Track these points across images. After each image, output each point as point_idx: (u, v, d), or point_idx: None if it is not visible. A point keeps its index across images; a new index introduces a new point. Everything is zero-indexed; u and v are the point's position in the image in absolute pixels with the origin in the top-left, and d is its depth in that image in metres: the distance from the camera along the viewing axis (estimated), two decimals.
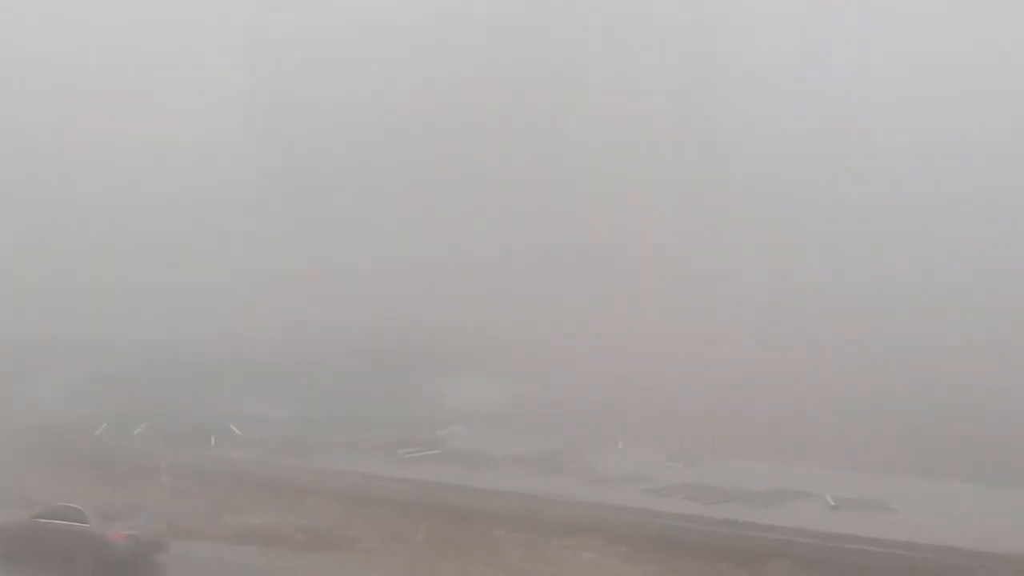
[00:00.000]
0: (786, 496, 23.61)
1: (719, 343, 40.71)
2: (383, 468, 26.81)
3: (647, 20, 58.15)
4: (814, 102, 57.23)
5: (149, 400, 34.52)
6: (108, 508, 21.31)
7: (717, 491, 24.02)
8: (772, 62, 56.60)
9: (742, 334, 41.55)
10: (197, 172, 59.61)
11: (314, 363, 39.60)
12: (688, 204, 53.82)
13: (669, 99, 55.99)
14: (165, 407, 33.49)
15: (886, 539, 20.15)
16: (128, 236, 57.64)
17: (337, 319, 45.91)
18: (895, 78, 58.46)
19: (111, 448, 29.52)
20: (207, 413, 32.45)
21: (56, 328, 46.17)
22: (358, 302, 47.21)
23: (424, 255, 52.15)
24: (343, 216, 56.52)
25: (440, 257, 51.77)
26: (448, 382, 37.15)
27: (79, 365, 40.65)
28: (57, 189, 59.93)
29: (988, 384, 33.78)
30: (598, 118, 55.73)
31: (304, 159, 60.09)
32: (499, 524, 22.71)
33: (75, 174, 60.29)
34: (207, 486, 25.84)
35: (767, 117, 56.39)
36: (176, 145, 60.34)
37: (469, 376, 37.56)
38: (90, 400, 35.68)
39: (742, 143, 56.39)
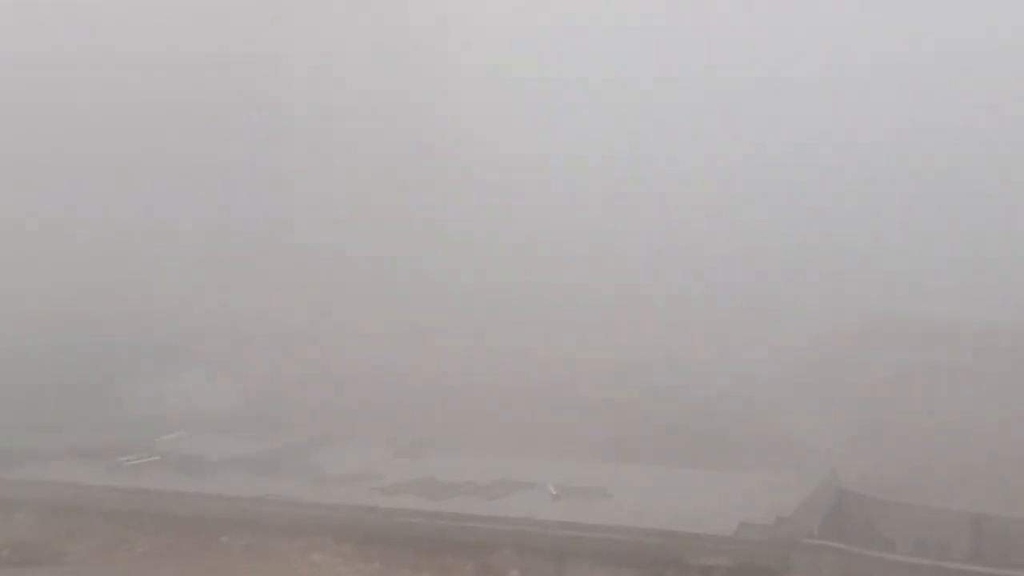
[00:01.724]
0: (511, 488, 24.30)
1: (443, 339, 41.25)
2: (100, 477, 25.57)
3: None
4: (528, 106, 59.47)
5: None
6: None
7: (444, 485, 24.42)
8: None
9: (465, 330, 42.26)
10: None
11: (21, 365, 37.05)
12: (412, 199, 54.39)
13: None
14: None
15: (605, 524, 21.09)
16: None
17: (44, 315, 43.06)
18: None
19: None
20: None
21: None
22: (67, 298, 44.48)
23: (140, 250, 49.90)
24: (45, 202, 53.00)
25: (156, 256, 49.71)
26: (168, 384, 35.75)
27: None
28: None
29: (693, 373, 35.94)
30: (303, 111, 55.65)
31: None
32: (223, 530, 22.13)
33: None
34: None
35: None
36: None
37: (190, 378, 36.28)
38: None
39: (458, 143, 57.52)
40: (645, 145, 60.92)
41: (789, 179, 57.92)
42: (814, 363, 37.14)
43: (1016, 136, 56.02)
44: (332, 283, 46.07)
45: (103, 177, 52.36)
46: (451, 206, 54.22)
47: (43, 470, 26.34)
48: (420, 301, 44.95)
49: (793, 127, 60.10)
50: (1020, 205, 51.93)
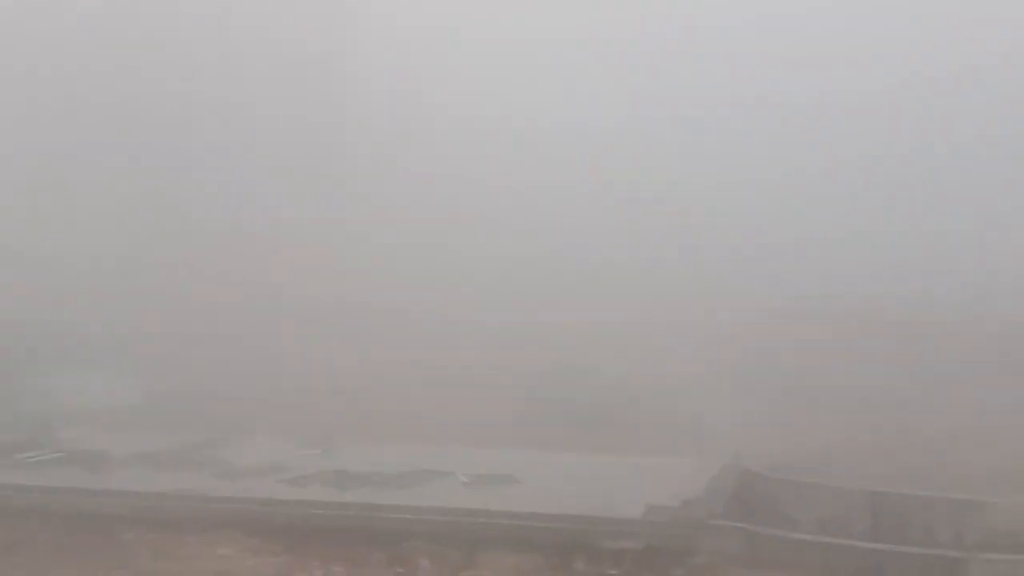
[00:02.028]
0: (421, 477, 24.27)
1: (348, 328, 41.01)
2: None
3: None
4: None
5: None
6: None
7: (354, 476, 24.30)
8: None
9: (369, 317, 42.08)
10: None
11: None
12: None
13: None
14: None
15: (514, 511, 21.22)
16: None
17: None
18: None
19: None
20: None
21: None
22: None
23: (37, 245, 48.66)
24: None
25: (55, 248, 48.53)
26: (69, 379, 34.95)
27: None
28: None
29: (597, 360, 36.24)
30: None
31: None
32: (128, 526, 21.73)
33: None
34: None
35: None
36: None
37: (92, 372, 35.51)
38: None
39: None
40: (565, 107, 61.06)
41: (714, 151, 58.49)
42: (724, 344, 37.68)
43: (909, 109, 57.31)
44: (236, 271, 45.52)
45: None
46: (347, 184, 53.96)
47: None
48: (327, 285, 44.65)
49: (709, 95, 60.79)
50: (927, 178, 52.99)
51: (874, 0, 61.36)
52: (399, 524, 21.18)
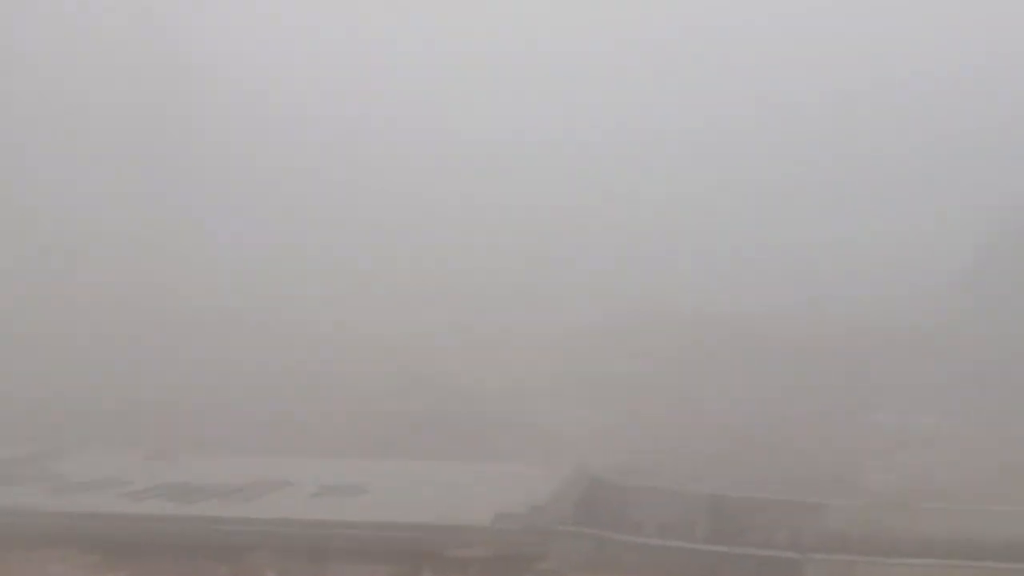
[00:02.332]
0: (267, 488, 23.77)
1: (185, 337, 40.00)
2: None
3: None
4: None
5: None
6: None
7: (196, 488, 23.62)
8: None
9: (205, 324, 41.15)
10: None
11: None
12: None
13: None
14: None
15: (361, 521, 20.97)
16: None
17: None
18: None
19: None
20: None
21: None
22: None
23: None
24: None
25: None
26: None
27: None
28: None
29: (443, 366, 36.27)
30: None
31: None
32: None
33: None
34: None
35: None
36: None
37: None
38: None
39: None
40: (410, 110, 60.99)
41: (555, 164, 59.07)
42: (572, 353, 38.19)
43: (768, 124, 59.00)
44: (74, 272, 43.93)
45: None
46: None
47: None
48: (168, 291, 43.47)
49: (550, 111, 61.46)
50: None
51: None
52: (244, 537, 20.66)
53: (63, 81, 53.98)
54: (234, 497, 23.17)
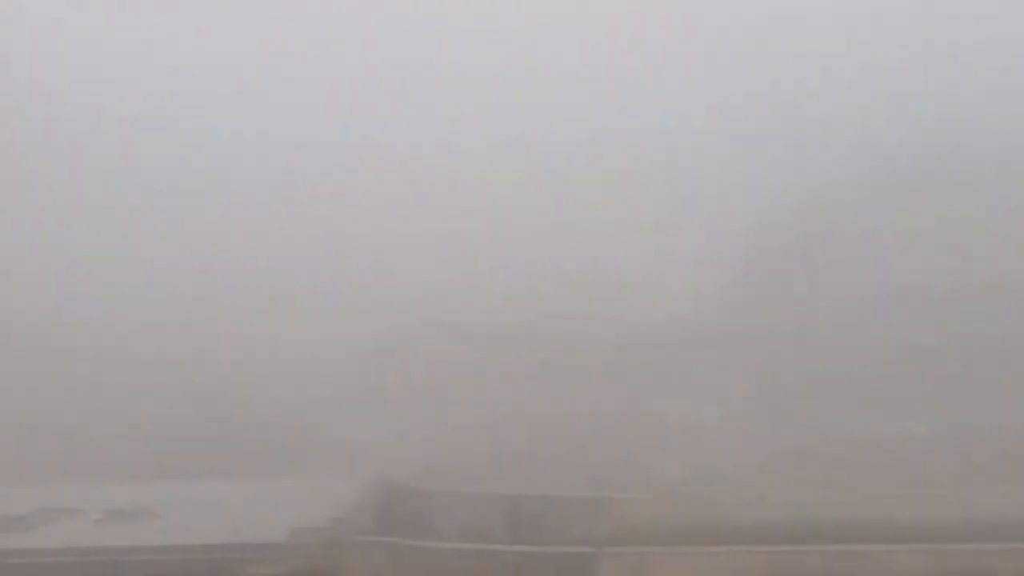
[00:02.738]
0: (49, 516, 22.69)
1: None
2: None
3: None
4: None
5: None
6: None
7: None
8: None
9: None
10: None
11: None
12: None
13: None
14: None
15: (151, 545, 20.28)
16: None
17: None
18: None
19: None
20: None
21: None
22: None
23: None
24: None
25: None
26: None
27: None
28: None
29: (235, 381, 35.45)
30: None
31: None
32: None
33: None
34: None
35: None
36: None
37: None
38: None
39: None
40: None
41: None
42: (364, 362, 37.90)
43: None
44: None
45: None
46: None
47: None
48: None
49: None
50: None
51: None
52: (22, 569, 19.65)
53: None
54: (15, 527, 22.01)
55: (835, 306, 38.99)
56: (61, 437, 29.86)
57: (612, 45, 63.22)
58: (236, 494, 24.38)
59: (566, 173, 56.35)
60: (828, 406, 31.69)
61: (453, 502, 23.23)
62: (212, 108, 59.99)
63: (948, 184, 45.50)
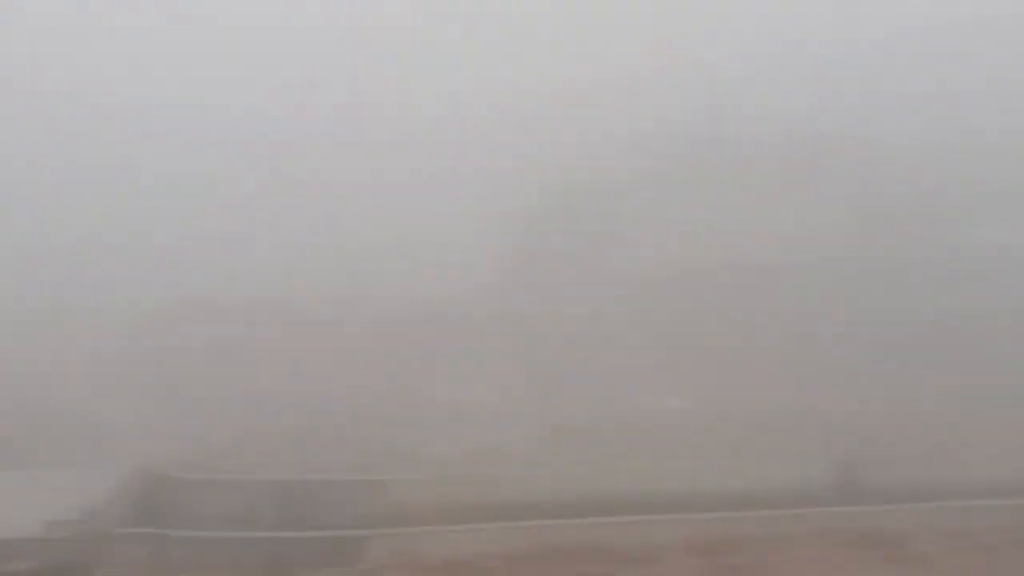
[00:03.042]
0: None
1: None
2: None
3: None
4: None
5: None
6: None
7: None
8: None
9: None
10: None
11: None
12: None
13: None
14: None
15: None
16: None
17: None
18: None
19: None
20: None
21: None
22: None
23: None
24: None
25: None
26: None
27: None
28: None
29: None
30: None
31: None
32: None
33: None
34: None
35: None
36: None
37: None
38: None
39: None
40: None
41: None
42: (119, 346, 36.33)
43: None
44: None
45: None
46: None
47: None
48: None
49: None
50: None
51: None
52: None
53: None
54: None
55: (603, 291, 40.16)
56: None
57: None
58: None
59: (346, 151, 55.99)
60: (595, 385, 32.61)
61: (219, 489, 22.84)
62: None
63: (702, 175, 48.17)
